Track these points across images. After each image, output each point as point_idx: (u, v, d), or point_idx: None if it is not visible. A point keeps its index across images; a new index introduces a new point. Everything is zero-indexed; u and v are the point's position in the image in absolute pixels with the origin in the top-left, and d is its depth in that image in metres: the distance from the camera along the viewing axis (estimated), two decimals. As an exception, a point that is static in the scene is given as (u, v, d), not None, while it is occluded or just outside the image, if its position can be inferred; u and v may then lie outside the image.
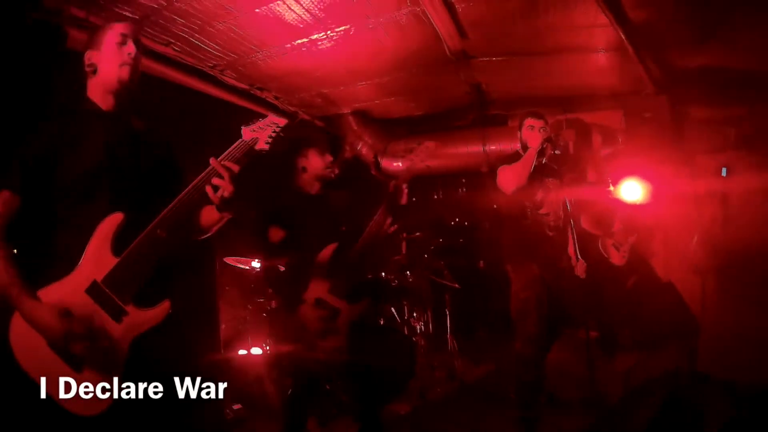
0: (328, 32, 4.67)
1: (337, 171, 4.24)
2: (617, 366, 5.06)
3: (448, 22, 4.51)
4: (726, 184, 5.26)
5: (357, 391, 4.04)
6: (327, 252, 3.83)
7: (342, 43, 4.85)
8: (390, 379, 5.38)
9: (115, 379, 2.20)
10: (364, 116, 6.96)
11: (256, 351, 5.38)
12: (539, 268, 4.45)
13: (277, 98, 6.24)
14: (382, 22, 4.54)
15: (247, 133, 2.41)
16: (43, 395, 2.13)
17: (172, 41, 4.55)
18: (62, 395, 2.13)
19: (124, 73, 2.42)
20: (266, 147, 2.40)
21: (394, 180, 4.12)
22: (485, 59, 5.32)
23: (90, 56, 2.47)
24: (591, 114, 6.24)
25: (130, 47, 2.45)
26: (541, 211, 4.53)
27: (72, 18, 3.94)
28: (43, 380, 2.14)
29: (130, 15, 4.06)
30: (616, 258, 5.69)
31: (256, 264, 5.47)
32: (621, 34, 4.48)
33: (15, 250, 2.25)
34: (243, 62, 5.14)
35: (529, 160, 4.33)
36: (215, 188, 2.29)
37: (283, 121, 2.46)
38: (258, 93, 5.97)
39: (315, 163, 4.01)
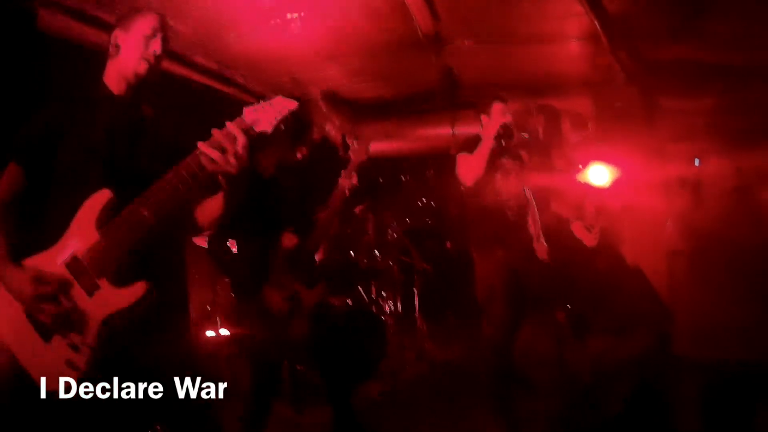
0: (301, 13, 4.62)
1: (305, 152, 4.20)
2: (589, 349, 5.14)
3: (422, 5, 4.48)
4: (697, 171, 5.34)
5: (326, 372, 4.04)
6: (288, 236, 3.83)
7: (313, 23, 4.80)
8: (360, 359, 5.44)
9: (85, 358, 2.14)
10: (332, 97, 6.93)
11: (224, 332, 5.37)
12: (504, 252, 4.48)
13: (244, 77, 6.18)
14: (355, 3, 4.50)
15: (249, 113, 2.27)
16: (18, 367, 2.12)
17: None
18: (32, 366, 2.12)
19: (142, 68, 2.35)
20: (269, 129, 2.26)
21: (343, 173, 4.08)
22: (458, 44, 5.31)
23: (116, 36, 2.40)
24: (561, 101, 6.24)
25: (157, 45, 2.37)
26: (501, 196, 4.55)
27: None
28: (16, 348, 2.13)
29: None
30: (588, 239, 5.75)
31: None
32: (596, 23, 4.50)
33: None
34: (213, 42, 5.08)
35: (485, 150, 4.34)
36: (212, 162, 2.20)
37: (294, 104, 2.32)
38: (225, 73, 5.90)
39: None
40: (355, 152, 4.20)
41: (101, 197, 2.21)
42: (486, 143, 4.36)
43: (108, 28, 3.43)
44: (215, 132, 2.21)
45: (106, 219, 2.20)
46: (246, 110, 2.27)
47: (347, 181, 4.02)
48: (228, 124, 2.22)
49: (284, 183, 3.98)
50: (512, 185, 4.57)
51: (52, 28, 3.83)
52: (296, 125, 5.92)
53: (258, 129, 2.24)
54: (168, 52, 4.65)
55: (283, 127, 2.29)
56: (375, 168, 8.35)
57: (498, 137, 4.41)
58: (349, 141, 4.31)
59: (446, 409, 4.79)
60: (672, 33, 4.77)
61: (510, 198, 4.56)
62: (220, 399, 4.58)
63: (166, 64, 4.97)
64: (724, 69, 5.10)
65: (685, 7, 4.31)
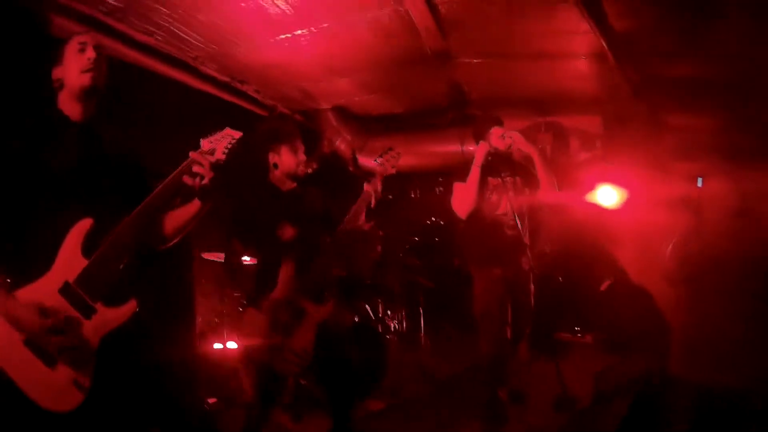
0: (311, 28, 4.67)
1: (315, 166, 4.23)
2: (588, 368, 5.12)
3: (430, 22, 4.51)
4: (700, 192, 5.32)
5: (329, 387, 4.03)
6: (297, 251, 3.83)
7: (323, 39, 4.84)
8: (363, 376, 5.44)
9: (87, 375, 2.25)
10: (343, 112, 6.96)
11: (231, 345, 5.37)
12: (502, 269, 4.49)
13: (257, 91, 6.24)
14: (364, 20, 4.54)
15: (205, 144, 2.58)
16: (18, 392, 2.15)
17: (155, 31, 4.53)
18: (35, 391, 2.17)
19: (86, 79, 2.47)
20: (223, 157, 2.57)
21: (367, 182, 4.09)
22: (466, 60, 5.33)
23: (56, 73, 2.54)
24: (569, 118, 6.27)
25: (90, 53, 2.49)
26: (498, 212, 4.56)
27: (55, 5, 3.92)
28: (18, 376, 2.16)
29: (114, 3, 4.04)
30: None
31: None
32: (602, 42, 4.51)
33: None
34: (224, 54, 5.13)
35: (473, 181, 4.41)
36: (194, 175, 2.46)
37: (238, 134, 2.62)
38: (238, 86, 5.96)
39: (287, 160, 3.91)
40: (390, 159, 4.21)
41: (84, 225, 2.35)
42: (474, 172, 4.42)
43: (119, 35, 3.53)
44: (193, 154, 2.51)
45: (91, 245, 2.33)
46: (203, 141, 2.58)
47: (373, 192, 4.04)
48: (191, 154, 2.50)
49: (296, 196, 4.00)
50: (509, 200, 4.56)
51: (65, 34, 3.86)
52: (305, 139, 5.97)
53: (214, 157, 2.56)
54: (182, 63, 4.79)
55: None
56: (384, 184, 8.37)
57: (489, 162, 4.47)
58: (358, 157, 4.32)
59: (443, 425, 4.77)
60: (677, 50, 4.76)
61: (507, 212, 4.55)
62: (222, 409, 4.63)
63: (181, 76, 5.14)
64: (727, 87, 5.08)
65: (688, 25, 4.30)
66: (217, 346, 5.53)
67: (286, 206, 3.88)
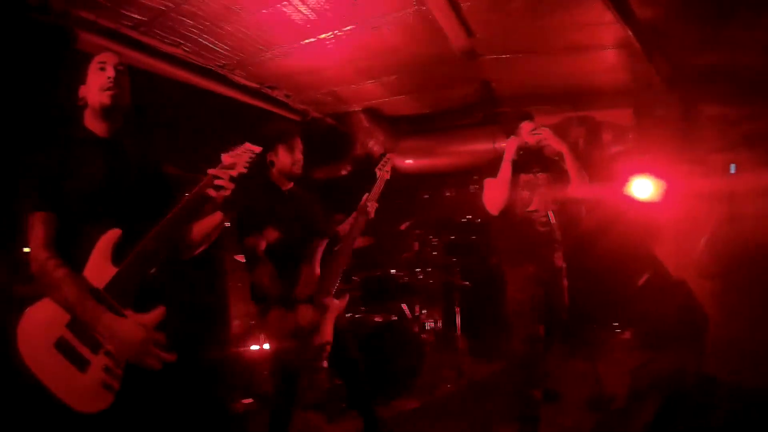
0: (336, 32, 4.71)
1: (349, 168, 4.28)
2: (624, 365, 5.05)
3: (454, 21, 4.51)
4: (734, 183, 5.19)
5: (358, 387, 4.07)
6: (317, 249, 3.91)
7: (349, 42, 4.88)
8: (399, 375, 5.47)
9: (116, 378, 2.33)
10: (374, 114, 6.99)
11: (267, 346, 5.44)
12: (535, 266, 4.46)
13: (287, 96, 6.31)
14: (387, 22, 4.56)
15: (226, 158, 2.66)
16: (48, 393, 2.25)
17: (182, 42, 4.62)
18: (67, 393, 2.26)
19: (105, 97, 2.57)
20: (245, 171, 2.66)
21: (366, 194, 4.16)
22: (492, 57, 5.30)
23: (81, 91, 2.66)
24: (601, 111, 6.21)
25: (109, 72, 2.60)
26: (530, 208, 4.55)
27: (81, 20, 4.03)
28: (48, 379, 2.26)
29: (138, 17, 4.14)
30: None
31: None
32: (628, 31, 4.46)
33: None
34: (252, 62, 5.20)
35: (504, 177, 4.41)
36: (217, 188, 2.55)
37: (258, 149, 2.73)
38: (269, 92, 6.04)
39: (283, 159, 3.93)
40: (386, 164, 4.30)
41: (112, 235, 2.44)
42: (505, 167, 4.42)
43: (145, 48, 3.63)
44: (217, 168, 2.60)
45: (120, 254, 2.41)
46: (224, 156, 2.66)
47: (372, 203, 4.12)
48: (209, 171, 2.58)
49: (294, 196, 4.06)
50: (542, 196, 4.56)
51: (89, 48, 3.98)
52: (340, 142, 6.02)
53: (236, 172, 2.63)
54: (211, 72, 4.87)
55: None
56: (418, 184, 8.39)
57: (520, 157, 4.47)
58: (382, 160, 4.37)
59: (477, 425, 4.76)
60: (705, 39, 4.66)
61: (539, 209, 4.54)
62: (256, 409, 4.69)
63: (210, 85, 5.23)
64: (759, 74, 4.95)
65: (714, 13, 4.22)
66: (254, 347, 5.62)
67: (286, 205, 3.94)
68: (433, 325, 6.79)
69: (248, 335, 5.77)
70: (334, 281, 3.92)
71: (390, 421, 4.83)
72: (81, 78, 2.65)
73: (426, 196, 8.74)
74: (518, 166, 4.48)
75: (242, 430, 4.61)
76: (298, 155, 3.99)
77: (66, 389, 2.26)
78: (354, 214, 4.15)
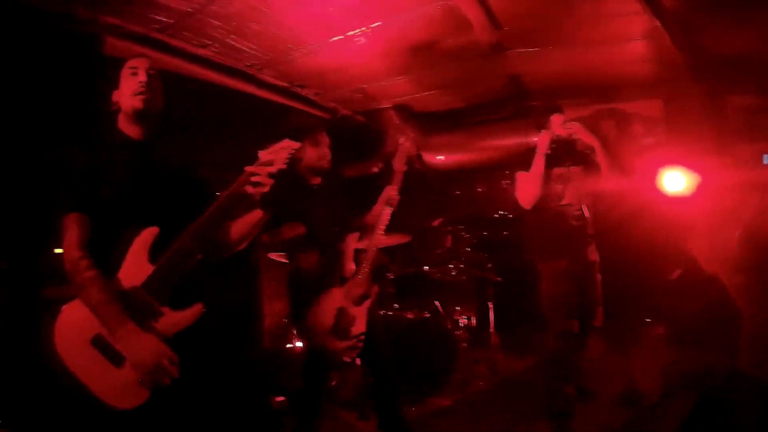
0: (363, 28, 4.69)
1: (381, 165, 4.29)
2: (657, 361, 4.98)
3: (481, 15, 4.47)
4: (767, 174, 5.07)
5: (396, 383, 4.07)
6: (350, 243, 3.93)
7: (377, 38, 4.86)
8: (432, 372, 5.45)
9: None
10: (404, 110, 6.97)
11: (299, 344, 5.46)
12: (568, 261, 4.43)
13: (317, 94, 6.31)
14: (415, 17, 4.53)
15: (263, 155, 2.64)
16: (85, 390, 2.30)
17: (209, 43, 4.64)
18: (102, 389, 2.31)
19: (137, 102, 2.62)
20: (284, 167, 2.63)
21: (388, 186, 4.15)
22: (521, 50, 5.25)
23: (114, 96, 2.72)
24: (631, 103, 6.13)
25: (141, 77, 2.64)
26: (563, 202, 4.52)
27: (108, 26, 4.07)
28: (86, 376, 2.31)
29: (165, 20, 4.17)
30: None
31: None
32: (656, 21, 4.40)
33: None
34: (281, 61, 5.20)
35: (538, 170, 4.39)
36: (255, 185, 2.55)
37: (297, 144, 2.69)
38: (298, 90, 6.04)
39: (310, 154, 3.97)
40: (397, 163, 4.28)
41: (150, 233, 2.48)
42: (538, 161, 4.40)
43: (173, 50, 3.68)
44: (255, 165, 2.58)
45: (158, 252, 2.45)
46: (260, 153, 2.64)
47: (393, 195, 4.11)
48: (246, 168, 2.58)
49: (322, 190, 4.07)
50: (574, 189, 4.54)
51: (118, 52, 4.02)
52: (371, 139, 6.02)
53: (275, 168, 2.61)
54: (239, 72, 4.90)
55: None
56: (449, 180, 8.34)
57: (552, 151, 4.44)
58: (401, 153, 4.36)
59: (510, 422, 4.73)
60: (734, 28, 4.57)
61: (572, 202, 4.51)
62: (287, 406, 4.71)
63: (240, 84, 5.26)
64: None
65: (743, 0, 4.13)
66: (287, 345, 5.64)
67: (315, 200, 3.98)
68: (466, 321, 6.75)
69: (281, 333, 5.80)
70: (366, 273, 3.94)
71: (423, 419, 4.82)
72: (114, 83, 2.70)
73: (457, 193, 8.69)
74: (550, 160, 4.45)
75: (275, 428, 4.64)
76: (325, 150, 4.02)
77: (102, 385, 2.31)
78: (377, 206, 4.14)
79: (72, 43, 3.85)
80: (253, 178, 2.55)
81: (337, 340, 3.69)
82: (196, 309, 2.47)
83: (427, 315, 5.80)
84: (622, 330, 5.02)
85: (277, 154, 2.64)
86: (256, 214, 2.78)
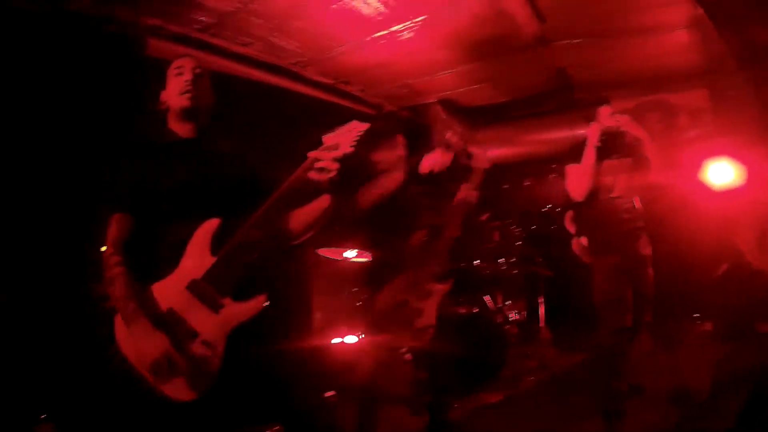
0: (407, 23, 4.68)
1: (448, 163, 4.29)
2: (706, 357, 4.88)
3: (524, 7, 4.45)
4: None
5: (448, 378, 4.07)
6: (421, 238, 3.94)
7: (421, 33, 4.84)
8: (482, 367, 5.42)
9: (213, 367, 2.35)
10: (450, 105, 6.93)
11: (349, 339, 5.47)
12: (620, 255, 4.35)
13: (362, 91, 6.32)
14: (458, 10, 4.50)
15: (327, 139, 2.54)
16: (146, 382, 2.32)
17: (252, 41, 4.68)
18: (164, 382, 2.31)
19: (184, 100, 2.64)
20: (350, 150, 2.50)
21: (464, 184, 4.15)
22: (565, 42, 5.21)
23: (162, 96, 2.74)
24: (676, 94, 6.03)
25: (187, 75, 2.67)
26: (613, 195, 4.45)
27: (149, 27, 4.14)
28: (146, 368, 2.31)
29: (206, 20, 4.21)
30: (587, 257, 5.58)
31: (348, 255, 5.56)
32: (700, 9, 4.31)
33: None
34: (324, 57, 5.22)
35: (589, 162, 4.33)
36: (320, 171, 2.47)
37: (365, 126, 2.56)
38: (343, 87, 6.06)
39: (387, 158, 4.03)
40: (477, 161, 4.27)
41: (211, 225, 2.47)
42: (589, 152, 4.34)
43: (215, 49, 3.72)
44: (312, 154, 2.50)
45: (218, 244, 2.44)
46: (324, 138, 2.54)
47: (472, 193, 4.11)
48: (310, 153, 2.49)
49: (412, 190, 4.09)
50: (625, 182, 4.45)
51: (160, 53, 4.10)
52: (417, 135, 6.02)
53: (342, 152, 2.49)
54: (283, 70, 4.93)
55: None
56: (497, 174, 8.27)
57: (602, 143, 4.37)
58: (469, 150, 4.37)
59: (561, 418, 4.66)
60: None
61: (622, 196, 4.44)
62: (337, 401, 4.74)
63: (284, 82, 5.30)
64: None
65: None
66: (335, 340, 5.65)
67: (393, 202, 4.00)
68: (516, 316, 6.69)
69: (330, 328, 5.82)
70: (438, 266, 3.96)
71: (473, 415, 4.79)
72: (161, 83, 2.73)
73: (505, 187, 8.62)
74: (599, 152, 4.38)
75: (326, 423, 4.65)
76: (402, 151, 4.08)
77: None
78: (454, 203, 4.13)
79: (116, 45, 3.91)
80: (317, 164, 2.47)
81: (399, 332, 3.71)
82: (259, 300, 2.43)
83: (477, 310, 5.75)
84: (670, 326, 4.91)
85: (343, 137, 2.54)
86: (323, 201, 2.66)
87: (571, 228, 5.81)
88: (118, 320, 2.39)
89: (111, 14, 3.90)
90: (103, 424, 3.35)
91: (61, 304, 3.73)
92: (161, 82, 2.73)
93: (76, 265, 3.62)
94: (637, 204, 4.50)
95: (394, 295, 3.80)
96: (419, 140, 7.09)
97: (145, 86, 2.89)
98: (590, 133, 4.39)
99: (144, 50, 4.05)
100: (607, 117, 4.41)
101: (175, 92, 2.65)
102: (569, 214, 5.85)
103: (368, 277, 4.26)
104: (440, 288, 3.92)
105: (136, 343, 2.32)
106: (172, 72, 2.71)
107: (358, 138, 2.53)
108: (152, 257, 2.47)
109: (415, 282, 3.86)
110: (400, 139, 4.06)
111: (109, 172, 2.61)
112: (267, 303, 2.44)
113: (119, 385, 2.43)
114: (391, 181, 4.06)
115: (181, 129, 2.70)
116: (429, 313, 3.82)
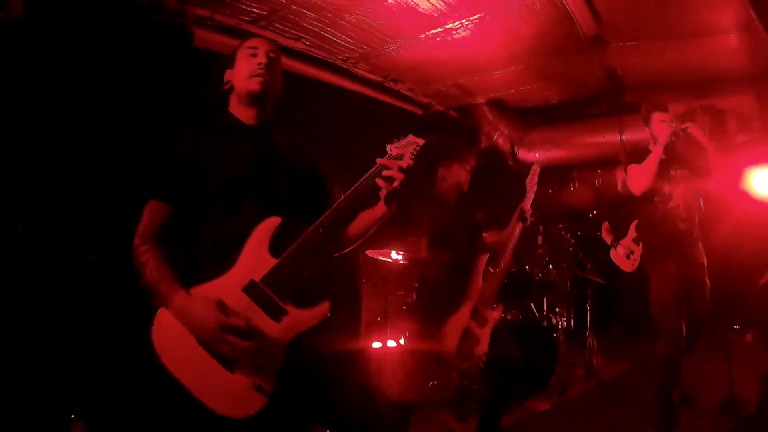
0: (463, 21, 4.60)
1: (474, 163, 4.21)
2: (753, 368, 4.76)
3: (583, 6, 4.36)
4: None
5: (494, 386, 3.97)
6: (482, 262, 3.88)
7: (476, 31, 4.76)
8: (530, 374, 5.31)
9: (271, 380, 2.16)
10: (499, 106, 6.83)
11: (391, 343, 5.39)
12: (677, 264, 4.32)
13: (411, 90, 6.24)
14: (516, 8, 4.42)
15: (392, 149, 2.44)
16: (189, 396, 2.09)
17: (303, 35, 4.61)
18: (211, 396, 2.11)
19: (254, 84, 2.43)
20: (411, 163, 2.40)
21: (520, 205, 4.08)
22: (619, 44, 5.12)
23: (227, 75, 2.54)
24: (724, 99, 5.94)
25: (261, 58, 2.45)
26: (671, 204, 4.41)
27: (196, 18, 4.07)
28: (191, 381, 2.11)
29: (257, 11, 4.13)
30: (627, 266, 5.50)
31: (396, 256, 5.47)
32: (751, 11, 4.22)
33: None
34: (376, 54, 5.15)
35: (655, 159, 4.28)
36: (387, 180, 2.34)
37: (422, 141, 2.45)
38: (392, 85, 5.98)
39: (456, 175, 3.95)
40: (530, 180, 4.22)
41: (271, 224, 2.29)
42: (655, 154, 4.30)
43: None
44: (379, 160, 2.38)
45: (278, 245, 2.26)
46: (389, 147, 2.44)
47: (525, 207, 4.08)
48: (379, 160, 2.37)
49: (471, 214, 4.06)
50: (682, 192, 4.43)
51: (207, 45, 4.06)
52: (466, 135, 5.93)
53: (404, 162, 2.38)
54: (333, 66, 4.85)
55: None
56: (543, 178, 8.14)
57: (668, 147, 4.33)
58: (516, 151, 4.33)
59: (609, 427, 4.55)
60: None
61: (680, 204, 4.40)
62: (382, 404, 4.65)
63: (333, 78, 5.23)
64: None
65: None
66: (376, 345, 5.57)
67: (455, 219, 3.94)
68: (564, 323, 6.55)
69: (374, 332, 5.75)
70: (493, 293, 3.92)
71: (521, 423, 4.69)
72: (228, 63, 2.54)
73: (551, 191, 8.49)
74: (663, 161, 4.34)
75: (374, 428, 4.59)
76: (468, 173, 4.01)
77: (210, 391, 2.11)
78: (510, 227, 4.07)
79: (160, 35, 3.84)
80: (385, 172, 2.35)
81: (459, 361, 3.64)
82: (324, 307, 2.26)
83: (527, 317, 5.65)
84: (713, 336, 4.81)
85: (404, 149, 2.43)
86: (379, 210, 2.52)
87: (607, 238, 5.73)
88: (157, 320, 2.18)
89: (159, 3, 3.84)
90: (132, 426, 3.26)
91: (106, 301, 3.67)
92: (230, 63, 2.54)
93: (116, 260, 3.55)
94: (696, 212, 4.47)
95: (461, 322, 3.74)
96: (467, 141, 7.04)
97: (190, 77, 2.76)
98: (661, 133, 4.34)
99: (191, 41, 3.97)
100: (658, 123, 4.42)
101: (245, 74, 2.45)
102: (605, 225, 5.80)
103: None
104: (495, 315, 3.87)
105: (188, 317, 2.12)
106: (244, 52, 2.50)
107: (415, 151, 2.43)
108: (196, 254, 2.31)
109: (477, 310, 3.81)
110: (471, 160, 4.01)
111: (151, 158, 2.44)
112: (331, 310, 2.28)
113: (153, 390, 2.21)
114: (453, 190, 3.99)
115: (243, 114, 2.50)
116: (484, 341, 3.78)
